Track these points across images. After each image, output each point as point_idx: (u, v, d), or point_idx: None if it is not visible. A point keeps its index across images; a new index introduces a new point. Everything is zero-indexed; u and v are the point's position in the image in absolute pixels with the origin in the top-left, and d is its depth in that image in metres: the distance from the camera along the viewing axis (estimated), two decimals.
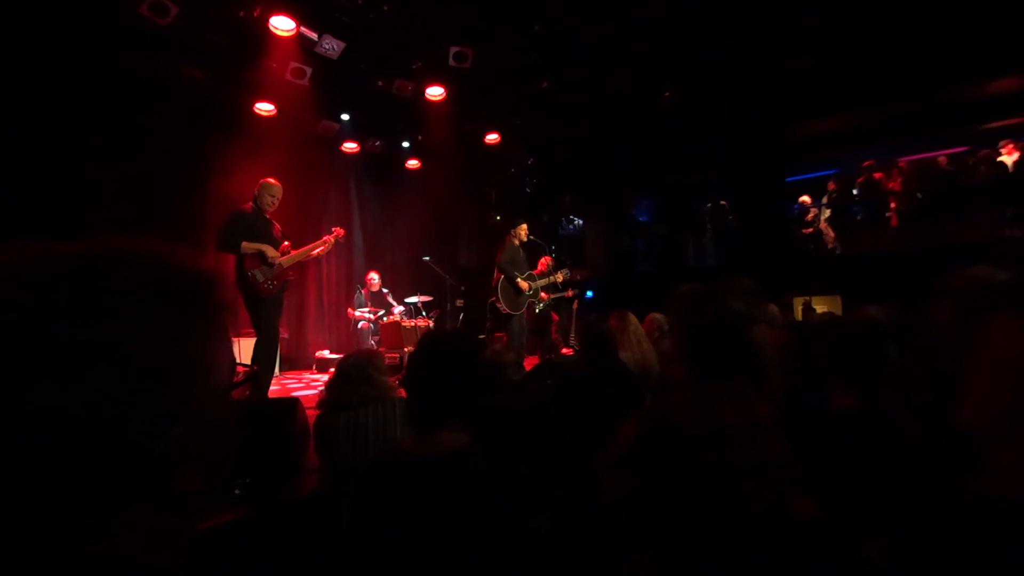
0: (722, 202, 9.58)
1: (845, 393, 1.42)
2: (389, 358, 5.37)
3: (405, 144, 7.86)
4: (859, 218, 8.35)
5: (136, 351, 0.39)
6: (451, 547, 1.07)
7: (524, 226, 5.59)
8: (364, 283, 6.79)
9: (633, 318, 3.09)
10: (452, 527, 1.08)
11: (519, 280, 5.42)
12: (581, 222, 11.31)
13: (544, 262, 6.08)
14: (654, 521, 1.14)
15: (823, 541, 1.16)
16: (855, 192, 8.39)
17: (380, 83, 6.20)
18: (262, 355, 3.59)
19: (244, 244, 3.56)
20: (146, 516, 0.41)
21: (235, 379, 0.49)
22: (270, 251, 3.64)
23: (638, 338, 3.00)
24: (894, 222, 7.78)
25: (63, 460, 0.37)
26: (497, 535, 1.08)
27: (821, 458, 1.33)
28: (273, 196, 3.80)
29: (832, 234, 8.18)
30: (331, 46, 5.29)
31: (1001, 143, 6.94)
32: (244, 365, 3.52)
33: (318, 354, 7.10)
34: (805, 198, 8.60)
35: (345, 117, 6.94)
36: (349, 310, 6.73)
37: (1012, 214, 6.60)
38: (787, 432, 1.20)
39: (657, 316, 3.52)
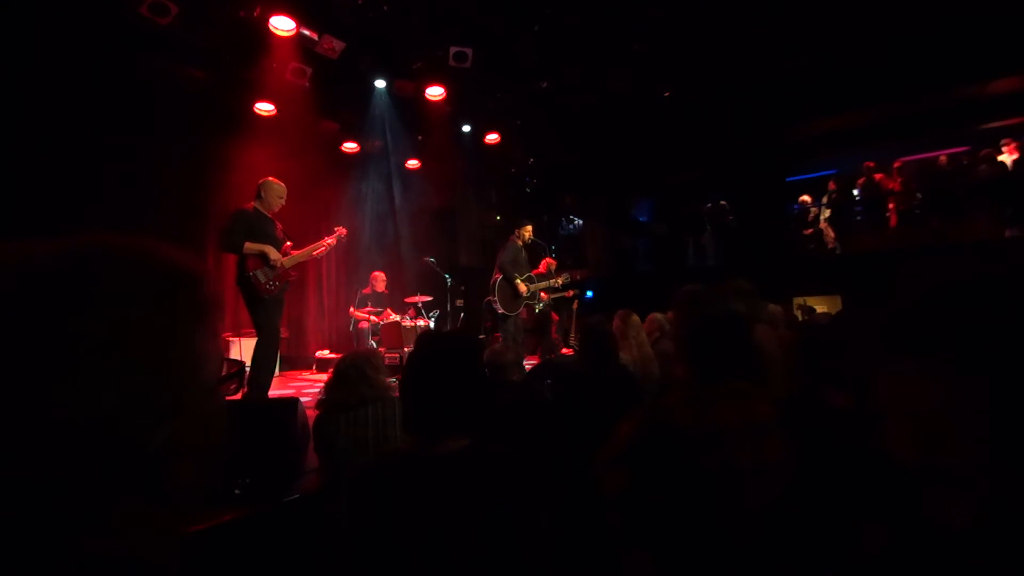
0: (722, 202, 9.58)
1: (844, 393, 1.42)
2: (389, 358, 5.37)
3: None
4: (859, 218, 8.36)
5: (126, 347, 0.39)
6: (453, 548, 1.07)
7: (529, 228, 5.57)
8: (368, 282, 6.77)
9: (636, 319, 3.07)
10: (454, 528, 1.08)
11: (518, 282, 5.41)
12: (581, 222, 11.32)
13: (546, 263, 6.08)
14: (652, 519, 1.14)
15: (822, 540, 1.16)
16: (855, 192, 8.39)
17: (380, 83, 6.21)
18: (262, 355, 3.58)
19: (247, 245, 3.55)
20: (140, 512, 0.41)
21: (222, 377, 0.49)
22: (273, 253, 3.63)
23: (638, 341, 2.98)
24: (894, 222, 7.78)
25: (57, 457, 0.37)
26: (499, 536, 1.08)
27: (821, 458, 1.33)
28: (279, 196, 3.79)
29: (832, 234, 8.18)
30: (331, 46, 5.29)
31: (1003, 141, 6.92)
32: (241, 363, 3.51)
33: (318, 354, 7.10)
34: (805, 198, 8.60)
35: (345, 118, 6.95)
36: (351, 310, 6.72)
37: (1012, 214, 6.59)
38: (787, 432, 1.20)
39: (658, 316, 3.51)
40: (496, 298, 5.37)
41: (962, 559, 0.44)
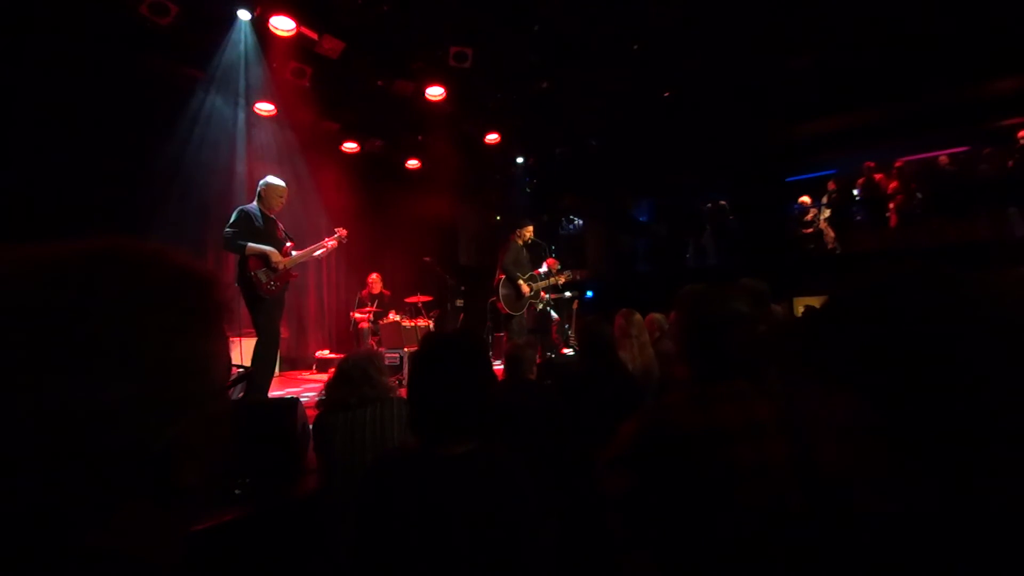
0: (722, 202, 9.59)
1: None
2: (389, 358, 5.37)
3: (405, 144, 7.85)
4: (859, 218, 8.35)
5: (137, 348, 0.40)
6: (456, 549, 1.07)
7: (530, 228, 5.58)
8: (366, 283, 6.79)
9: (639, 318, 3.08)
10: (457, 529, 1.08)
11: (521, 283, 5.42)
12: (581, 222, 11.32)
13: (549, 263, 6.09)
14: (654, 520, 1.13)
15: (824, 541, 1.16)
16: (855, 192, 8.39)
17: (380, 83, 6.20)
18: (263, 355, 3.57)
19: (250, 246, 3.54)
20: (144, 511, 0.42)
21: (229, 379, 0.50)
22: (275, 256, 3.62)
23: (640, 342, 2.99)
24: (894, 222, 7.78)
25: (65, 454, 0.37)
26: (503, 538, 1.08)
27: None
28: (279, 195, 3.79)
29: (832, 234, 8.18)
30: (331, 46, 5.29)
31: (1021, 133, 6.73)
32: (240, 366, 3.51)
33: (318, 354, 7.10)
34: (805, 198, 8.60)
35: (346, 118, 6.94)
36: (352, 313, 6.73)
37: (1016, 213, 6.53)
38: (788, 429, 1.20)
39: (657, 316, 3.52)
40: (500, 299, 5.38)
41: (880, 537, 0.50)
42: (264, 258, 3.58)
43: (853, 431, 0.49)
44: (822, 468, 0.54)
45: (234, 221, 3.61)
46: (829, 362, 0.51)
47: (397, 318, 6.13)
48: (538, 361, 4.66)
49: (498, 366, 3.58)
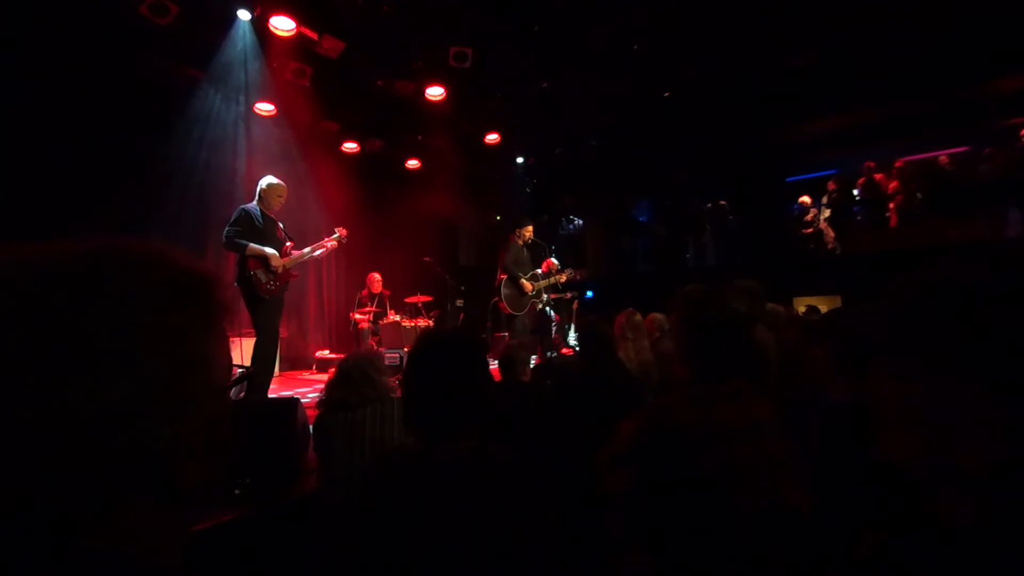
0: (722, 202, 9.59)
1: (843, 387, 1.42)
2: (389, 358, 5.37)
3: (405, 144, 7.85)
4: (859, 218, 8.35)
5: (138, 347, 0.40)
6: (455, 549, 1.07)
7: (530, 228, 5.58)
8: (365, 283, 6.79)
9: (638, 321, 3.08)
10: (457, 529, 1.08)
11: (523, 280, 5.41)
12: (581, 222, 11.32)
13: (547, 264, 6.09)
14: (653, 520, 1.13)
15: (823, 540, 1.16)
16: (855, 192, 8.39)
17: (380, 83, 6.20)
18: (262, 355, 3.57)
19: (250, 246, 3.54)
20: (144, 511, 0.42)
21: (229, 380, 0.50)
22: (275, 260, 3.61)
23: (638, 346, 2.98)
24: (894, 222, 7.78)
25: (65, 454, 0.37)
26: (502, 538, 1.08)
27: (820, 454, 1.34)
28: (278, 195, 3.79)
29: (832, 234, 8.18)
30: (331, 46, 5.30)
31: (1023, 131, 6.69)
32: (240, 366, 3.52)
33: (318, 354, 7.09)
34: (805, 198, 8.60)
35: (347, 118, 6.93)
36: (352, 313, 6.73)
37: (1018, 213, 6.52)
38: (787, 429, 1.20)
39: (657, 316, 3.51)
40: (502, 299, 5.37)
41: (970, 556, 0.44)
42: (264, 261, 3.58)
43: (959, 421, 0.45)
44: (897, 459, 0.50)
45: (235, 220, 3.61)
46: (943, 350, 0.47)
47: (397, 318, 6.13)
48: (537, 361, 4.67)
49: (494, 366, 3.58)
